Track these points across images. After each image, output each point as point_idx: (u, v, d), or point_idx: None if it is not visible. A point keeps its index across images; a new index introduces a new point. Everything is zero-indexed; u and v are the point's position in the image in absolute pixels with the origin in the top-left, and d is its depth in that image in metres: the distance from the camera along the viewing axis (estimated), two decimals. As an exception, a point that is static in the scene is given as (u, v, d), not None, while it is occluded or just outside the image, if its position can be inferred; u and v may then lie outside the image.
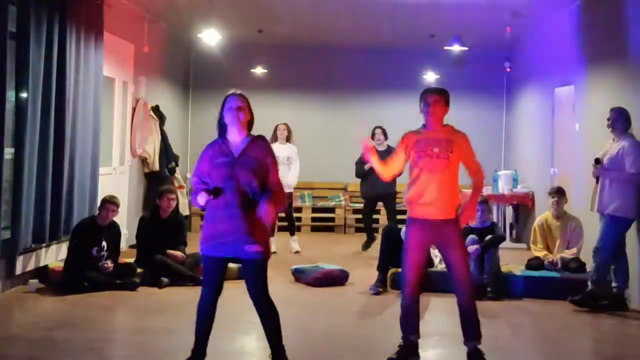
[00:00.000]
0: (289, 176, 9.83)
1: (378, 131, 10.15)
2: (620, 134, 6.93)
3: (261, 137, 4.66)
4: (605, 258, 6.89)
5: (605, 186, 6.92)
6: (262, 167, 4.51)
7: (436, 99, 5.04)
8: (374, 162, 5.14)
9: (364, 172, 9.88)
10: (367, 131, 10.12)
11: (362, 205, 12.84)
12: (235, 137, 4.57)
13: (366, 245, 10.33)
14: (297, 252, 10.07)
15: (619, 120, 6.94)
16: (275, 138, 10.05)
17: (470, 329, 4.97)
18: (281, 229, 10.63)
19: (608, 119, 7.01)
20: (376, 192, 9.92)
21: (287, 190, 10.06)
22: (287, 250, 10.12)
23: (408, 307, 5.02)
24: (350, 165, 10.47)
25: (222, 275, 4.63)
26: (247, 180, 4.46)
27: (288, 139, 10.12)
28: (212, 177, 4.53)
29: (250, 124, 4.63)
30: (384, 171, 5.22)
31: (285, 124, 10.19)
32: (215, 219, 4.50)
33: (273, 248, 9.96)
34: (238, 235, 4.45)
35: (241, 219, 4.44)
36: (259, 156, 4.53)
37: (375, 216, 11.04)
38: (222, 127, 4.60)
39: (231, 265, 5.24)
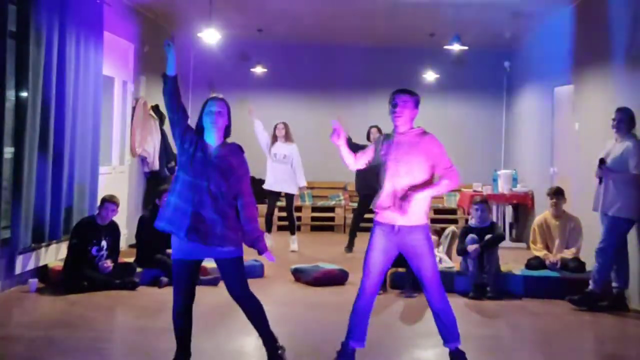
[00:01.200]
0: (297, 177, 10.01)
1: (374, 130, 9.99)
2: (625, 135, 6.92)
3: (237, 145, 4.67)
4: (609, 258, 6.89)
5: (608, 187, 6.91)
6: (234, 174, 4.52)
7: (404, 100, 4.87)
8: (341, 147, 4.96)
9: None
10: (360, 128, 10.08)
11: (362, 204, 12.90)
12: (211, 140, 4.58)
13: (350, 247, 10.21)
14: (294, 250, 10.07)
15: (625, 121, 6.93)
16: (275, 137, 10.05)
17: (451, 331, 4.93)
18: (282, 228, 10.65)
19: (613, 119, 6.99)
20: (373, 188, 9.88)
21: (298, 190, 10.26)
22: (288, 249, 10.14)
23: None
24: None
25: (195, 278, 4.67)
26: (219, 183, 4.47)
27: (287, 138, 10.11)
28: (183, 166, 4.53)
29: (227, 130, 4.64)
30: (347, 158, 5.06)
31: (284, 123, 10.18)
32: (184, 213, 4.48)
33: (269, 243, 10.05)
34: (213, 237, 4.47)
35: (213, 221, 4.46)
36: (233, 163, 4.54)
37: (367, 216, 10.96)
38: (199, 130, 4.60)
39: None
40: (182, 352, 4.64)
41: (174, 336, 4.65)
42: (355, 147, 10.05)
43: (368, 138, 9.95)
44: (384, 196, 4.86)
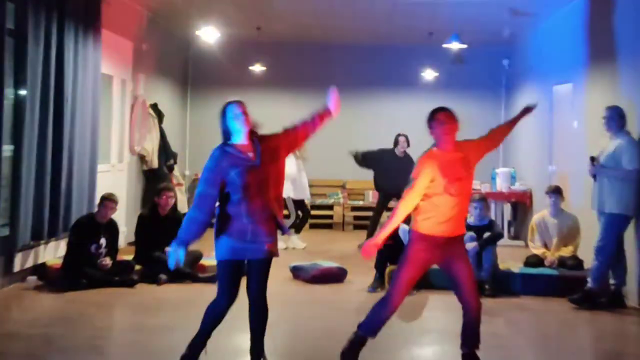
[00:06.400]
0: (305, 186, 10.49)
1: (402, 139, 10.34)
2: (616, 132, 6.95)
3: (262, 135, 4.71)
4: (607, 256, 6.90)
5: (603, 184, 6.94)
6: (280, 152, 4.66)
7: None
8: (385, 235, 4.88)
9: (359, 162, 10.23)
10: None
11: (360, 202, 12.92)
12: (243, 141, 4.60)
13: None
14: (285, 248, 10.06)
15: (614, 119, 6.97)
16: None
17: (476, 336, 4.92)
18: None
19: (603, 118, 7.04)
20: (397, 187, 9.92)
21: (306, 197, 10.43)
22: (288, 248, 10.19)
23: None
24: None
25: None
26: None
27: None
28: (231, 186, 4.51)
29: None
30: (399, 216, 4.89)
31: None
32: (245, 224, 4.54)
33: (302, 245, 10.31)
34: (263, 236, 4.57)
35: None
36: (276, 144, 4.64)
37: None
38: (227, 135, 4.63)
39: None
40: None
41: (201, 334, 4.65)
42: (371, 157, 10.26)
43: (396, 146, 10.32)
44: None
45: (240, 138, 4.61)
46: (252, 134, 4.65)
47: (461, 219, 4.83)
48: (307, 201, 10.90)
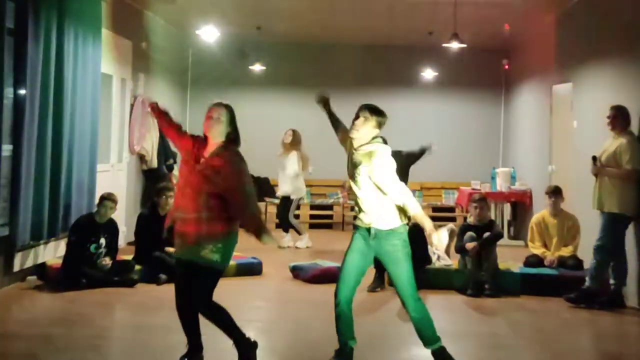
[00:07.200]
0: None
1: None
2: (620, 132, 6.94)
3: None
4: (606, 256, 6.90)
5: (604, 183, 6.93)
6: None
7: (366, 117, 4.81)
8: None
9: None
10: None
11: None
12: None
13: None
14: (298, 247, 10.14)
15: (619, 118, 6.96)
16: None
17: (430, 335, 4.91)
18: (280, 226, 10.72)
19: (608, 117, 7.03)
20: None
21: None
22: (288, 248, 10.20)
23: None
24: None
25: None
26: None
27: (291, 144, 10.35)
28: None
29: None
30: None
31: (292, 130, 10.47)
32: None
33: (309, 243, 10.42)
34: None
35: None
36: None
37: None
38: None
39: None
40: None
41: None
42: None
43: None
44: None
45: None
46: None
47: None
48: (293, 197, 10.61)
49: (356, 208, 4.84)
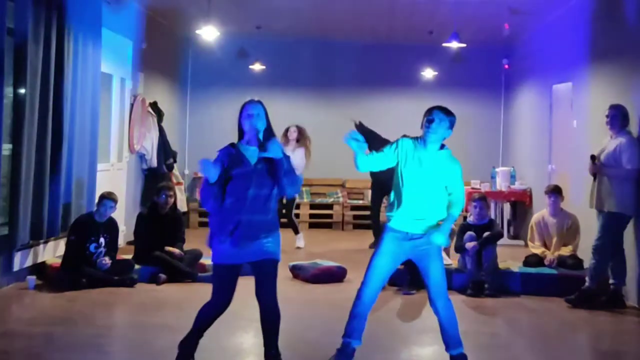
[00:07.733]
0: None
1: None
2: (618, 131, 6.95)
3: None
4: (605, 255, 6.90)
5: (603, 183, 6.94)
6: None
7: (441, 118, 5.07)
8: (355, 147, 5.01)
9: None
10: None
11: (359, 202, 12.90)
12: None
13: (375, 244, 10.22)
14: (299, 247, 10.16)
15: (617, 117, 6.96)
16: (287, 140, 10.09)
17: (455, 338, 4.93)
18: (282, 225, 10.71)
19: (606, 116, 7.03)
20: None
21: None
22: (292, 246, 10.21)
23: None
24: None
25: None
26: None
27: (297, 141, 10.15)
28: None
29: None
30: (361, 160, 5.14)
31: (297, 126, 10.23)
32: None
33: (302, 244, 10.27)
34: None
35: None
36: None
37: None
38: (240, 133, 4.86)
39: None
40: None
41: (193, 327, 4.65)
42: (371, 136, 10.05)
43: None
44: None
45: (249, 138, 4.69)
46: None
47: None
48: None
49: (398, 211, 4.84)
